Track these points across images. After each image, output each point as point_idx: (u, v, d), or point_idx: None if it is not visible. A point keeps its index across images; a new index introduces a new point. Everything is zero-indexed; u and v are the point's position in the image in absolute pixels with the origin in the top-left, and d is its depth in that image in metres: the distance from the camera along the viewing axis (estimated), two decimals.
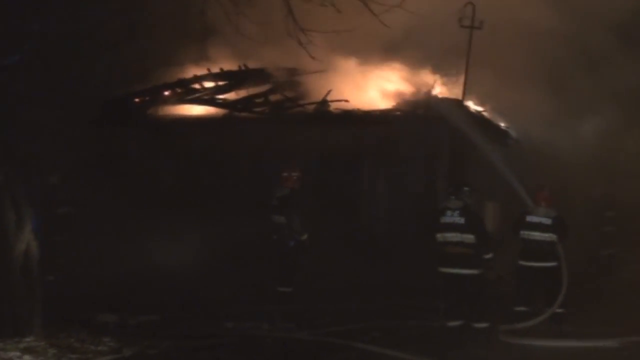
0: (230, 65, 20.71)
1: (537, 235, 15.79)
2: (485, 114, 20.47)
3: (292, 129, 19.33)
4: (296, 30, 13.64)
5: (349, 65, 20.08)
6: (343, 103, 19.68)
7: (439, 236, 14.92)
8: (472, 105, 20.25)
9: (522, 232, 15.90)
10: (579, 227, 18.85)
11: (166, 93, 20.61)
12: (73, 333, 13.11)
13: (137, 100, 20.45)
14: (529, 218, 15.89)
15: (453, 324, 14.81)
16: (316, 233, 18.18)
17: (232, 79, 20.58)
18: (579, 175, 20.19)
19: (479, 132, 17.04)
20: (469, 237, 14.73)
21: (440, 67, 20.12)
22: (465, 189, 15.11)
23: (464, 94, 19.77)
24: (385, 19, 16.69)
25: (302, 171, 15.97)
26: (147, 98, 20.44)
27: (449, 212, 14.93)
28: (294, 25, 13.66)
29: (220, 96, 20.44)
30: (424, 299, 15.79)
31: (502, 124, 20.74)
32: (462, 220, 14.81)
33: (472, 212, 14.96)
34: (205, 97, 20.35)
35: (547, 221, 15.78)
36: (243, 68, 20.59)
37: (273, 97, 20.34)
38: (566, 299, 15.39)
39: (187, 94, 20.56)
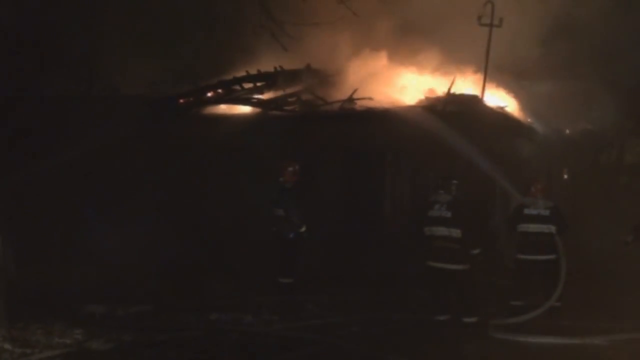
0: (267, 67, 18.54)
1: (536, 227, 13.17)
2: (507, 109, 17.67)
3: (320, 126, 17.10)
4: (269, 21, 11.37)
5: (376, 64, 17.72)
6: (367, 101, 17.25)
7: (427, 230, 12.51)
8: (492, 101, 17.47)
9: (520, 225, 13.31)
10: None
11: (209, 94, 18.60)
12: (46, 325, 11.14)
13: (181, 100, 18.51)
14: (527, 211, 13.28)
15: (440, 317, 12.37)
16: (336, 227, 16.25)
17: (269, 80, 18.40)
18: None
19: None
20: (456, 232, 12.27)
21: (461, 64, 17.50)
22: (454, 182, 12.64)
23: (484, 90, 17.03)
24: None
25: (300, 164, 13.64)
26: (191, 98, 18.49)
27: (437, 206, 12.50)
28: (266, 17, 11.41)
29: (257, 96, 18.28)
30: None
31: (527, 120, 17.95)
32: (449, 214, 12.35)
33: (460, 206, 12.43)
34: (242, 97, 18.23)
35: (545, 212, 13.17)
36: (279, 69, 18.38)
37: (305, 96, 18.07)
38: (564, 292, 12.79)
39: (228, 94, 18.51)
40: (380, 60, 17.87)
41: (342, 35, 17.55)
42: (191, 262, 15.17)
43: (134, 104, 17.86)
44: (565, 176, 19.43)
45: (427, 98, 17.24)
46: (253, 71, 18.52)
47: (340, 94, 17.64)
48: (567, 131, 19.27)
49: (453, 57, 17.44)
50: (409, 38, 17.42)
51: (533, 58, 17.45)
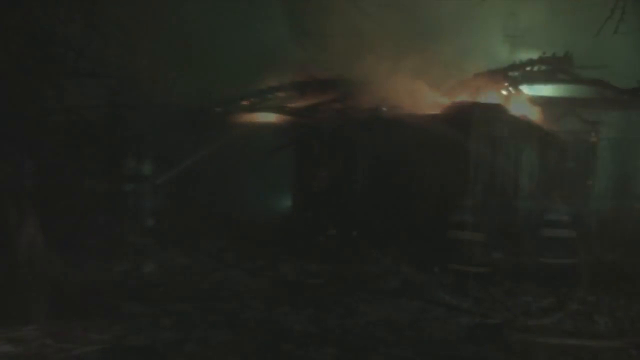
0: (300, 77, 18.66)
1: (556, 232, 13.10)
2: (530, 117, 17.53)
3: (349, 133, 17.21)
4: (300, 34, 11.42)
5: (399, 73, 17.69)
6: (394, 109, 17.23)
7: (451, 233, 12.49)
8: (516, 108, 17.35)
9: (542, 229, 13.24)
10: None
11: (244, 102, 18.75)
12: (85, 321, 11.21)
13: (217, 109, 18.67)
14: (549, 216, 13.21)
15: (461, 319, 12.29)
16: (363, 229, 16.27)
17: (301, 89, 18.51)
18: None
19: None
20: (478, 235, 12.24)
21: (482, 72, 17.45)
22: (477, 187, 12.62)
23: (508, 98, 16.94)
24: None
25: (328, 171, 13.69)
26: (228, 107, 18.64)
27: (460, 210, 12.50)
28: (298, 30, 11.45)
29: (290, 104, 18.42)
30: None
31: (550, 127, 17.77)
32: (471, 219, 12.34)
33: (483, 210, 12.42)
34: (276, 106, 18.36)
35: (566, 218, 13.09)
36: (310, 79, 18.48)
37: (335, 105, 18.13)
38: (583, 295, 12.68)
39: (262, 103, 18.66)
40: (402, 69, 17.79)
41: (367, 46, 17.56)
42: (224, 260, 15.26)
43: (173, 113, 18.06)
44: (588, 182, 19.22)
45: (452, 105, 17.21)
46: (286, 81, 18.69)
47: (368, 102, 17.69)
48: (592, 139, 19.04)
49: (474, 65, 17.38)
50: (430, 48, 17.39)
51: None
